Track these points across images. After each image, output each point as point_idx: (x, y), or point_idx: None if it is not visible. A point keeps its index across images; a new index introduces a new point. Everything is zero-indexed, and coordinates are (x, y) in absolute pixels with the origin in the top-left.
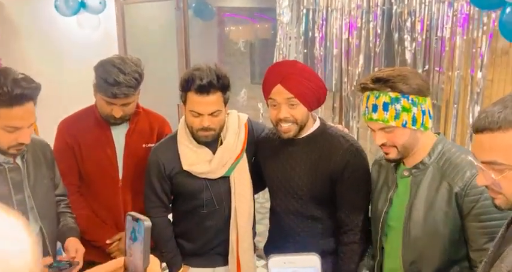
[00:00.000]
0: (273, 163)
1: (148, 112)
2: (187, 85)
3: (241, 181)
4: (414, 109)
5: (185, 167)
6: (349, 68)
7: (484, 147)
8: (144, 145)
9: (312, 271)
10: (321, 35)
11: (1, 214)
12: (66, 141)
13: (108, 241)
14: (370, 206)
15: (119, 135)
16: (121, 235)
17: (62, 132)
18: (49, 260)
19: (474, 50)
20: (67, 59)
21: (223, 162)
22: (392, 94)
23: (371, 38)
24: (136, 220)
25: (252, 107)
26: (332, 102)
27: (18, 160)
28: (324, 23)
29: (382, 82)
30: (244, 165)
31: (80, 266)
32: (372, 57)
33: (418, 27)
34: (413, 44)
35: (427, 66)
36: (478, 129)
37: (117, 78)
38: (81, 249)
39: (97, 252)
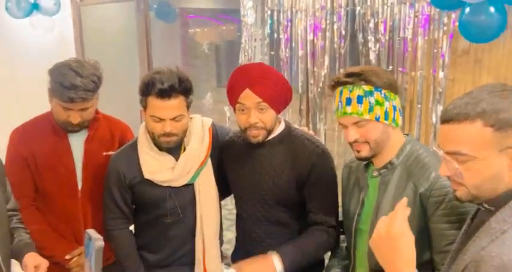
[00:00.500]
0: (238, 168)
1: (109, 118)
2: (148, 89)
3: (206, 188)
4: (386, 104)
5: (146, 175)
6: (315, 69)
7: (449, 137)
8: (104, 153)
9: None
10: (286, 37)
11: None
12: (20, 151)
13: (67, 257)
14: (341, 211)
15: (77, 142)
16: (81, 249)
17: (15, 141)
18: None
19: (435, 50)
20: (19, 64)
21: (187, 169)
22: (366, 88)
23: (336, 39)
24: (90, 238)
25: (218, 111)
26: (299, 104)
27: None
28: (289, 24)
29: (355, 76)
30: (209, 171)
31: None
32: (337, 58)
33: (381, 28)
34: (377, 45)
35: (391, 67)
36: (445, 120)
37: (73, 81)
38: (44, 263)
39: (56, 268)
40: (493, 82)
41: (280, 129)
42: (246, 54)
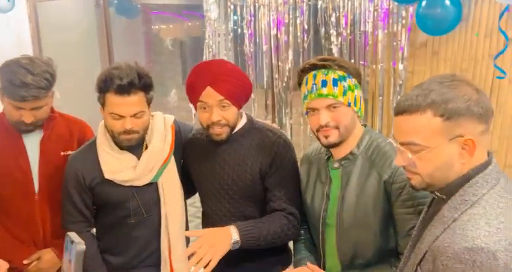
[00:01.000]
0: (202, 164)
1: (66, 117)
2: (105, 85)
3: (171, 186)
4: (356, 92)
5: (107, 175)
6: (280, 63)
7: (402, 128)
8: (62, 153)
9: None
10: (250, 32)
11: None
12: None
13: (25, 262)
14: (304, 205)
15: (32, 143)
16: (40, 253)
17: None
18: None
19: (395, 43)
20: None
21: (150, 167)
22: (340, 72)
23: (299, 34)
24: (71, 241)
25: (184, 108)
26: (265, 99)
27: None
28: (253, 19)
29: (331, 61)
30: (172, 168)
31: None
32: (300, 52)
33: (343, 22)
34: (339, 39)
35: (352, 60)
36: (398, 112)
37: (24, 79)
38: (4, 264)
39: None
40: (450, 73)
41: (242, 123)
42: (210, 49)
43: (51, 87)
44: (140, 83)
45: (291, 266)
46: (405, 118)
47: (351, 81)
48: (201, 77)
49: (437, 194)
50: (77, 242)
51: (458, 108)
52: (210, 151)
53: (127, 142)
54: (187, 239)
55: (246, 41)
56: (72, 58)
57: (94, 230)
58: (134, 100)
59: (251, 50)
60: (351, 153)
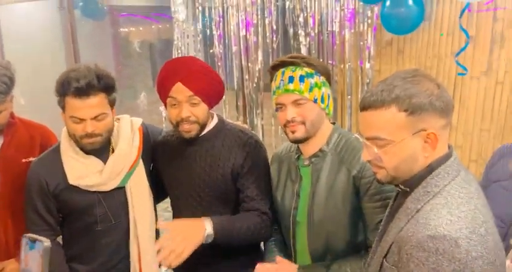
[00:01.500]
0: (173, 166)
1: (27, 123)
2: (63, 89)
3: (139, 190)
4: (323, 89)
5: (72, 181)
6: (250, 64)
7: (368, 123)
8: (24, 160)
9: None
10: (219, 33)
11: None
12: None
13: None
14: (275, 204)
15: None
16: (3, 264)
17: None
18: None
19: (361, 43)
20: None
21: (117, 172)
22: (308, 70)
23: (268, 34)
24: (34, 241)
25: (155, 111)
26: (236, 100)
27: None
28: (221, 20)
29: (300, 59)
30: (141, 172)
31: None
32: (270, 53)
33: (310, 22)
34: (307, 39)
35: (321, 60)
36: (363, 107)
37: None
38: None
39: None
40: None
41: (213, 123)
42: (179, 51)
43: (10, 91)
44: (100, 84)
45: None
46: (370, 114)
47: (319, 79)
48: (171, 73)
49: (401, 187)
50: (41, 240)
51: (422, 103)
52: (180, 153)
53: (90, 146)
54: None
55: (216, 42)
56: (37, 63)
57: (60, 238)
58: (94, 103)
59: (220, 51)
60: (321, 150)
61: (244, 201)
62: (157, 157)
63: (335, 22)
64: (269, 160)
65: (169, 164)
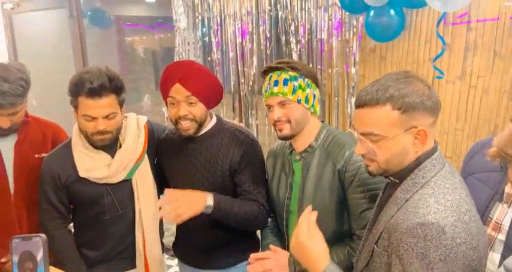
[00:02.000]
0: (175, 163)
1: (39, 121)
2: (77, 89)
3: (144, 182)
4: (308, 90)
5: (82, 174)
6: (245, 69)
7: (363, 120)
8: (36, 156)
9: None
10: (217, 40)
11: None
12: None
13: (3, 260)
14: (271, 195)
15: (6, 146)
16: None
17: None
18: None
19: (347, 50)
20: None
21: (124, 165)
22: (292, 73)
23: (262, 41)
24: (29, 238)
25: (157, 112)
26: (232, 102)
27: None
28: (219, 28)
29: (284, 64)
30: (146, 166)
31: None
32: (264, 58)
33: (301, 30)
34: (298, 46)
35: (310, 65)
36: (359, 105)
37: (1, 87)
38: None
39: None
40: (404, 70)
41: (212, 123)
42: (180, 57)
43: (26, 93)
44: (111, 86)
45: (260, 251)
46: (366, 111)
47: (303, 81)
48: (171, 74)
49: (391, 179)
50: (35, 234)
51: (414, 102)
52: (182, 150)
53: (101, 142)
54: (161, 233)
55: (214, 49)
56: (48, 67)
57: (71, 226)
58: (106, 103)
59: (218, 57)
60: (310, 146)
61: (242, 194)
62: (161, 152)
63: (323, 31)
64: (264, 157)
65: (172, 160)
